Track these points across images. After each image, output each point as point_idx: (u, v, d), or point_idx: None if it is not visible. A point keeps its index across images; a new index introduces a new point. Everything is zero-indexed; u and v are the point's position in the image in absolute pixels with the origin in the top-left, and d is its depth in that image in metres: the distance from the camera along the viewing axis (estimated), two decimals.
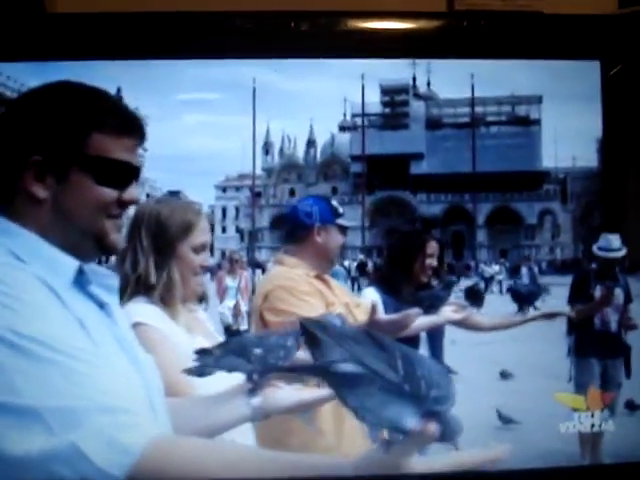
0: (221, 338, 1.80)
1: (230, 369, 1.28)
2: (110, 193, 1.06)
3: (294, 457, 1.04)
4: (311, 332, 0.89)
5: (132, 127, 1.08)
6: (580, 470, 1.17)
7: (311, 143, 37.84)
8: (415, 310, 2.06)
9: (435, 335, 2.97)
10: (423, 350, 2.91)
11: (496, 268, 19.23)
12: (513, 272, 19.62)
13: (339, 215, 2.40)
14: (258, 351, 1.26)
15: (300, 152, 37.57)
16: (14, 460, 0.86)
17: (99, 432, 0.87)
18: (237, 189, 36.26)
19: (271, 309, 2.20)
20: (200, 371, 1.25)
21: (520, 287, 3.18)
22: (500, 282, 16.84)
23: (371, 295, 2.96)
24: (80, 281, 1.04)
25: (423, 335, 2.88)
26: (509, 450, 0.95)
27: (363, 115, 36.21)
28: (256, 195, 35.34)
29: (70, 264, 1.03)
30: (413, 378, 0.87)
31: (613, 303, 4.01)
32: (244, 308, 6.21)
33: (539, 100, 34.02)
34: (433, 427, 0.87)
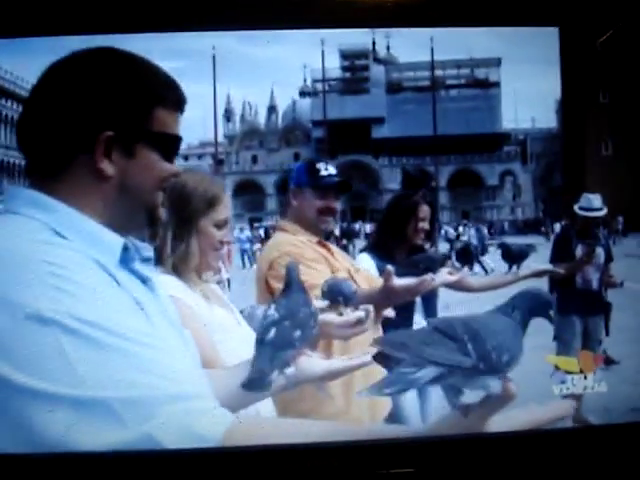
0: (234, 306, 1.78)
1: (284, 365, 1.25)
2: (171, 167, 1.02)
3: (373, 427, 1.04)
4: (384, 354, 0.91)
5: (183, 100, 1.04)
6: (576, 431, 1.21)
7: (272, 109, 37.87)
8: (430, 276, 2.06)
9: (429, 298, 2.97)
10: (418, 315, 2.92)
11: (461, 229, 19.59)
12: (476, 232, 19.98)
13: (319, 178, 2.28)
14: (297, 334, 1.23)
15: (261, 118, 37.68)
16: (85, 454, 0.81)
17: (173, 421, 0.83)
18: (199, 157, 36.06)
19: (277, 276, 2.13)
20: (262, 385, 1.17)
21: (511, 246, 3.21)
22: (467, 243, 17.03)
23: (365, 260, 2.95)
24: (124, 258, 0.98)
25: (418, 299, 2.88)
26: (574, 405, 0.98)
27: (324, 80, 36.24)
28: (218, 162, 35.21)
29: (116, 240, 0.97)
30: (485, 354, 0.88)
31: (594, 262, 4.06)
32: (225, 275, 6.20)
33: (498, 62, 34.60)
34: (512, 387, 0.87)
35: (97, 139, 0.94)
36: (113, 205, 0.97)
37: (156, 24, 1.35)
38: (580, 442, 1.12)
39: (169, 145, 1.01)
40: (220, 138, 34.12)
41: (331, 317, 1.49)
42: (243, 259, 12.62)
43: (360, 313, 1.49)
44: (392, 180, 32.13)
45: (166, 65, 1.05)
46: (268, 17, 1.37)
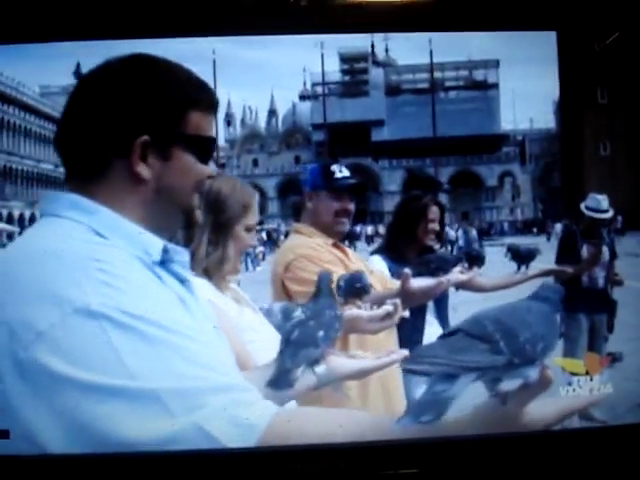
0: (257, 307, 1.80)
1: (306, 361, 1.26)
2: (206, 169, 1.04)
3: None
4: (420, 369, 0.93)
5: (216, 102, 1.05)
6: (584, 432, 1.21)
7: (272, 113, 37.87)
8: (446, 278, 2.09)
9: (441, 298, 2.97)
10: (430, 316, 2.96)
11: (475, 232, 19.52)
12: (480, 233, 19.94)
13: (334, 180, 2.30)
14: (321, 333, 1.25)
15: (262, 122, 37.66)
16: (133, 445, 0.82)
17: (222, 411, 0.85)
18: None
19: (294, 279, 2.14)
20: (287, 382, 1.20)
21: (520, 247, 3.22)
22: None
23: (377, 262, 2.90)
24: (164, 259, 0.99)
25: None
26: (605, 395, 1.01)
27: (323, 84, 36.18)
28: (220, 166, 35.17)
29: (155, 242, 0.98)
30: (518, 348, 0.89)
31: (601, 261, 4.04)
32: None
33: (496, 64, 34.56)
34: (549, 373, 0.89)
35: (133, 144, 0.95)
36: (150, 207, 0.99)
37: (157, 29, 1.32)
38: (584, 442, 1.13)
39: (204, 147, 1.03)
40: (221, 142, 34.17)
41: (360, 312, 1.52)
42: (246, 261, 12.57)
43: (389, 307, 1.52)
44: (392, 182, 32.10)
45: None
46: (269, 23, 1.35)
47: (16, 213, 24.90)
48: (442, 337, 0.94)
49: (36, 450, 0.84)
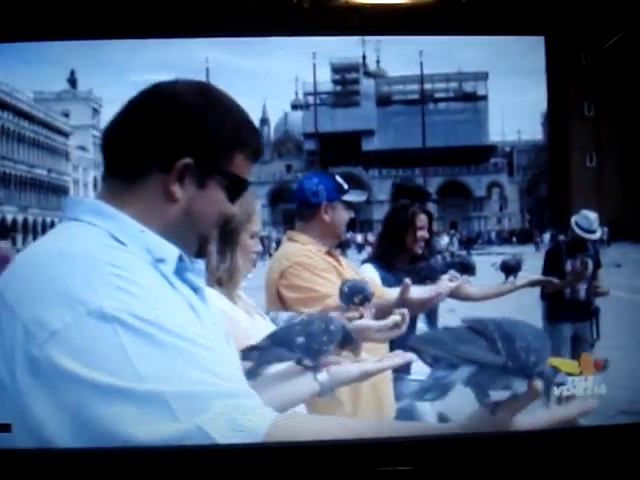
0: (263, 312, 1.83)
1: (274, 361, 1.30)
2: (231, 208, 1.07)
3: (402, 424, 1.06)
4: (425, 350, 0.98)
5: (260, 153, 1.10)
6: (577, 432, 1.24)
7: (264, 122, 37.75)
8: (443, 288, 2.14)
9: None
10: (421, 322, 2.97)
11: (447, 239, 19.64)
12: (466, 243, 20.03)
13: (344, 192, 2.36)
14: (300, 340, 1.27)
15: None
16: (136, 445, 0.84)
17: (224, 415, 0.87)
18: None
19: (289, 286, 2.19)
20: (248, 374, 1.22)
21: (509, 259, 3.30)
22: (452, 253, 17.07)
23: (368, 271, 2.88)
24: (179, 267, 1.01)
25: None
26: (596, 404, 1.01)
27: (315, 93, 36.20)
28: None
29: (172, 250, 1.00)
30: (514, 353, 0.92)
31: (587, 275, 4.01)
32: None
33: (486, 76, 34.78)
34: (538, 385, 0.91)
35: (175, 162, 0.98)
36: (172, 227, 1.01)
37: (148, 30, 1.34)
38: (572, 443, 1.14)
39: (237, 188, 1.06)
40: None
41: (370, 322, 1.59)
42: None
43: (397, 317, 1.59)
44: (382, 191, 32.21)
45: (160, 79, 1.07)
46: (271, 24, 1.37)
47: (9, 218, 24.71)
48: (446, 328, 0.99)
49: (42, 445, 0.86)
